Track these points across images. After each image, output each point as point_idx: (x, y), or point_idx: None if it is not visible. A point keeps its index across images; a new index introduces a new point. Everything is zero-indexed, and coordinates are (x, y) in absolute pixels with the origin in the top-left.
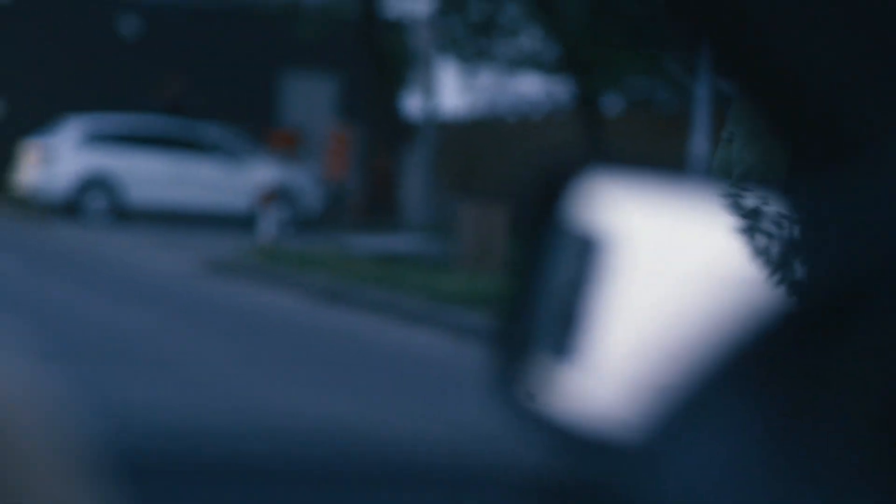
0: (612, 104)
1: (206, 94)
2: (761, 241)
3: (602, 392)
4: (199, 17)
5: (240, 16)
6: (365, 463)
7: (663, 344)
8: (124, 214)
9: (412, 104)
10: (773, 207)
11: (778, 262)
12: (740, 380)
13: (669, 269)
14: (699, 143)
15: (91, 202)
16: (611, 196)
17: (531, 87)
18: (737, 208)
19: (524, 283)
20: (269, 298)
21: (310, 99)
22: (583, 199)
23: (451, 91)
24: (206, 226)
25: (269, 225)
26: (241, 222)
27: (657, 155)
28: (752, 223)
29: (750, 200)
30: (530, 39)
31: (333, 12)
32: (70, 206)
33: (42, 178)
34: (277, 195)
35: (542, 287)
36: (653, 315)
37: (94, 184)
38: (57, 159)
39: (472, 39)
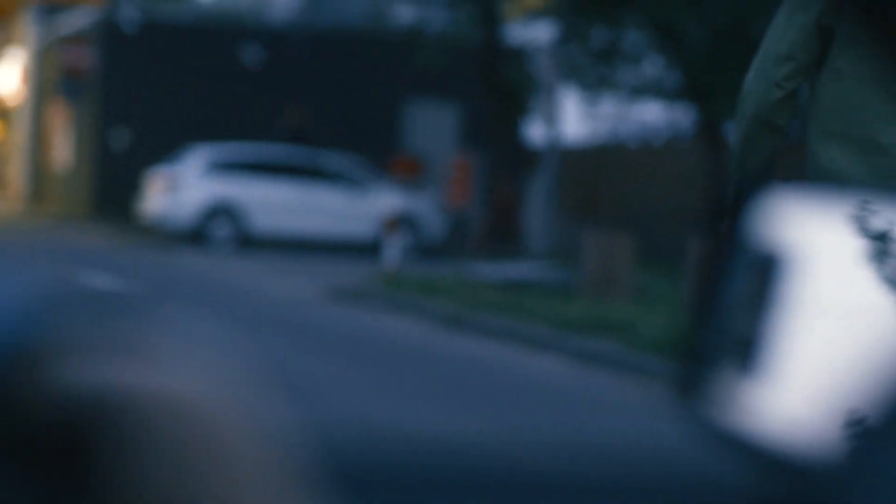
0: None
1: (329, 121)
2: (891, 265)
3: (788, 410)
4: (321, 45)
5: (362, 44)
6: (528, 475)
7: (853, 363)
8: (248, 242)
9: (534, 131)
10: None
11: None
12: None
13: (856, 285)
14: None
15: (216, 230)
16: (792, 214)
17: (653, 114)
18: (865, 231)
19: (709, 302)
20: (393, 325)
21: (432, 127)
22: (764, 217)
23: (572, 118)
24: (330, 253)
25: (393, 252)
26: (364, 250)
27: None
28: (881, 247)
29: (878, 222)
30: (652, 67)
31: (455, 40)
32: (195, 234)
33: (167, 206)
34: (400, 222)
35: (726, 304)
36: (842, 333)
37: (219, 211)
38: (182, 187)
39: (594, 67)
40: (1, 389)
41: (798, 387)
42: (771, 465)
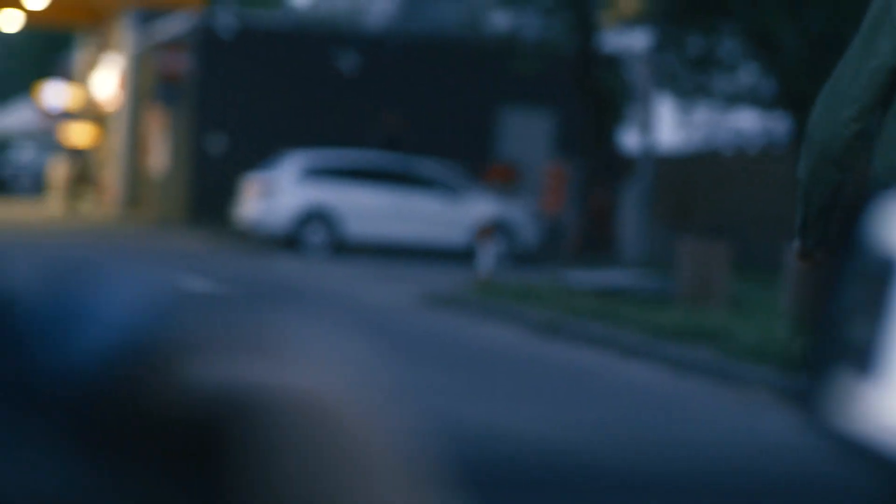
0: None
1: (424, 128)
2: None
3: None
4: (416, 52)
5: (457, 51)
6: (644, 474)
7: None
8: (343, 247)
9: (629, 139)
10: None
11: None
12: None
13: None
14: None
15: (310, 235)
16: None
17: (748, 122)
18: None
19: (822, 308)
20: (488, 331)
21: (526, 134)
22: (880, 223)
23: (667, 126)
24: (424, 259)
25: (487, 258)
26: (458, 256)
27: None
28: None
29: None
30: (747, 74)
31: (550, 48)
32: (290, 239)
33: (262, 212)
34: (495, 229)
35: (841, 310)
36: None
37: (314, 217)
38: (277, 193)
39: (690, 75)
40: (131, 388)
41: None
42: (890, 468)
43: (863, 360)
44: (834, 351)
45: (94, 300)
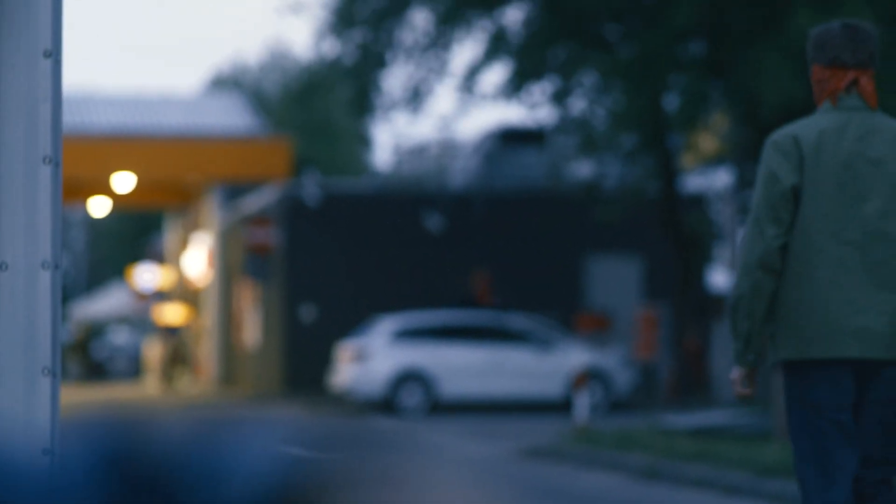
0: None
1: (513, 282)
2: None
3: None
4: (501, 206)
5: (541, 203)
6: None
7: None
8: (438, 407)
9: (718, 278)
10: None
11: None
12: None
13: None
14: None
15: (406, 397)
16: None
17: None
18: None
19: None
20: (589, 479)
21: (615, 280)
22: None
23: None
24: (520, 414)
25: (583, 407)
26: (555, 408)
27: None
28: None
29: None
30: None
31: (633, 192)
32: (386, 403)
33: (357, 376)
34: (589, 377)
35: None
36: None
37: (408, 379)
38: (371, 357)
39: None
40: None
41: None
42: None
43: None
44: None
45: (233, 458)
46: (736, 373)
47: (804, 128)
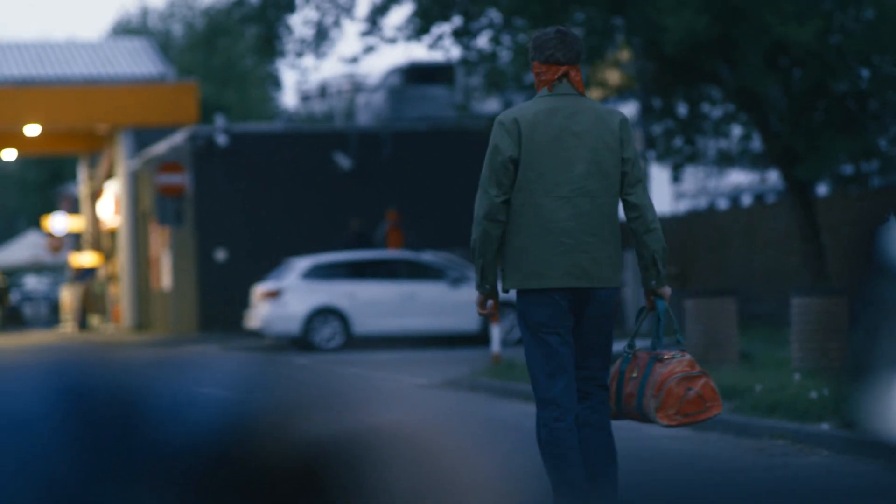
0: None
1: (422, 217)
2: None
3: None
4: (409, 143)
5: (450, 139)
6: None
7: None
8: (354, 343)
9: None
10: None
11: None
12: None
13: None
14: None
15: (321, 334)
16: None
17: (741, 179)
18: None
19: (866, 323)
20: (506, 409)
21: None
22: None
23: (662, 190)
24: (436, 347)
25: (497, 340)
26: (471, 341)
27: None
28: None
29: None
30: (737, 136)
31: None
32: (302, 340)
33: (273, 315)
34: (503, 309)
35: (879, 321)
36: None
37: (323, 315)
38: (285, 295)
39: (679, 140)
40: (244, 450)
41: None
42: None
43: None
44: (871, 364)
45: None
46: (478, 297)
47: (524, 110)
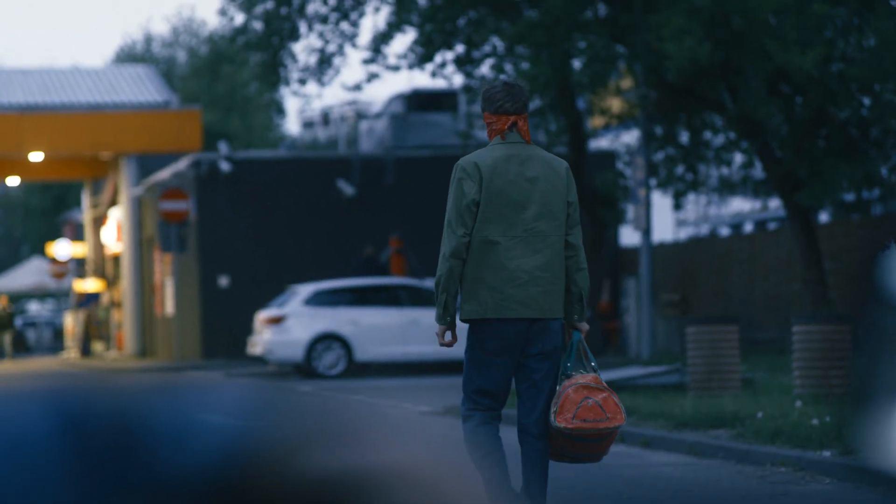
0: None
1: (425, 243)
2: None
3: None
4: (412, 169)
5: (453, 165)
6: None
7: None
8: (356, 369)
9: (628, 235)
10: None
11: None
12: None
13: None
14: None
15: (324, 360)
16: None
17: (742, 205)
18: None
19: (868, 350)
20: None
21: None
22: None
23: (664, 217)
24: (438, 374)
25: None
26: None
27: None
28: None
29: None
30: (738, 163)
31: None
32: (304, 366)
33: (276, 341)
34: None
35: (880, 348)
36: None
37: (326, 342)
38: (288, 321)
39: (681, 167)
40: (247, 483)
41: None
42: None
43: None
44: (873, 391)
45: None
46: (439, 329)
47: (482, 156)
